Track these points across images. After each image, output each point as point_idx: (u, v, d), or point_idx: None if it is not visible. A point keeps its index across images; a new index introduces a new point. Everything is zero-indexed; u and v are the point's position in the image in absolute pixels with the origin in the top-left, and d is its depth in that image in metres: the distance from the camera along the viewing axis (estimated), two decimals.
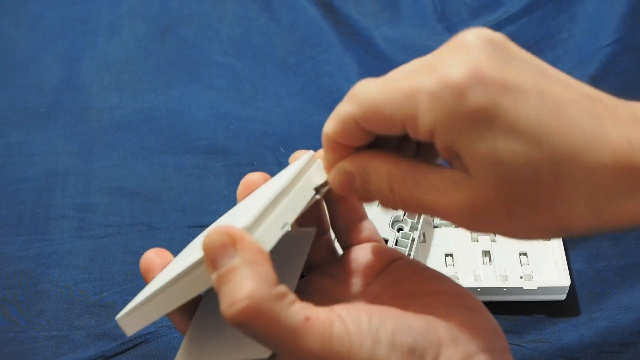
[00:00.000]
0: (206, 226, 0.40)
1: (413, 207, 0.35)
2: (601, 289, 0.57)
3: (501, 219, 0.32)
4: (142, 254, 0.60)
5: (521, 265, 0.57)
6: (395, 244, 0.56)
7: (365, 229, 0.42)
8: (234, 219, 0.35)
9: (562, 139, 0.30)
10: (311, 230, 0.41)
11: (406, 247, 0.56)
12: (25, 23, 0.77)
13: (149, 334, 0.55)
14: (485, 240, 0.58)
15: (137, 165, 0.66)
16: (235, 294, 0.31)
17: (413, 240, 0.56)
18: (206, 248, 0.32)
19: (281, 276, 0.35)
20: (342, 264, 0.41)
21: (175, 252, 0.62)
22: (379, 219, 0.57)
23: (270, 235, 0.34)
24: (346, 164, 0.36)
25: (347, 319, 0.33)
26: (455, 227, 0.59)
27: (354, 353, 0.32)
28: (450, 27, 0.76)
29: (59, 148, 0.68)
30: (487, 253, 0.58)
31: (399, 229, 0.57)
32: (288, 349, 0.32)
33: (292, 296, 0.32)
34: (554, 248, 0.57)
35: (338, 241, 0.42)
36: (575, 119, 0.31)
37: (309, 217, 0.41)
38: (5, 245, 0.61)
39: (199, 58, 0.74)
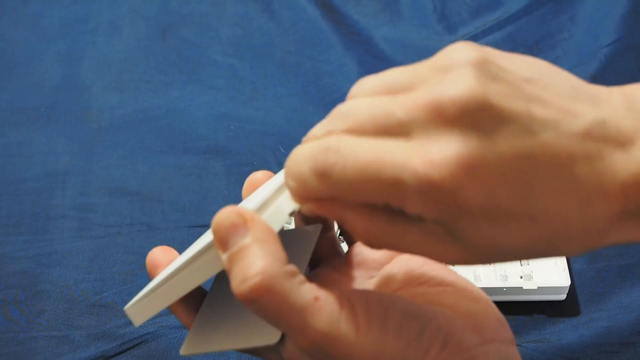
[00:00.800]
0: (206, 226, 0.40)
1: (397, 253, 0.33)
2: (601, 289, 0.57)
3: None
4: (142, 254, 0.60)
5: (521, 265, 0.57)
6: None
7: None
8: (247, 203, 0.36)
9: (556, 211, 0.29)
10: (316, 228, 0.41)
11: None
12: (25, 23, 0.77)
13: (149, 334, 0.55)
14: None
15: (137, 165, 0.66)
16: (247, 271, 0.31)
17: None
18: (217, 228, 0.32)
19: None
20: (347, 258, 0.41)
21: None
22: None
23: (277, 218, 0.34)
24: (316, 209, 0.32)
25: (356, 302, 0.33)
26: None
27: (361, 336, 0.32)
28: (450, 27, 0.76)
29: (59, 148, 0.68)
30: None
31: None
32: (297, 328, 0.32)
33: (302, 276, 0.32)
34: None
35: (343, 237, 0.42)
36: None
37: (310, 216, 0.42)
38: (5, 245, 0.61)
39: (199, 58, 0.74)
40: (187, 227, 0.62)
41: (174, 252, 0.40)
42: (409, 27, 0.76)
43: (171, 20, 0.77)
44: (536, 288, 0.55)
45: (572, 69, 0.71)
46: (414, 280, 0.38)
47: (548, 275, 0.56)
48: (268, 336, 0.34)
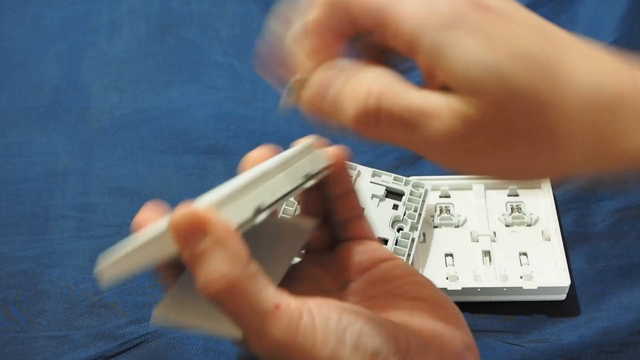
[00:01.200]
0: None
1: (389, 128, 0.32)
2: (601, 289, 0.57)
3: (496, 150, 0.30)
4: None
5: (521, 265, 0.57)
6: (396, 244, 0.56)
7: (362, 227, 0.42)
8: (213, 194, 0.35)
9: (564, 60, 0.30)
10: (310, 222, 0.41)
11: (406, 247, 0.56)
12: (25, 23, 0.77)
13: (149, 334, 0.55)
14: (485, 240, 0.58)
15: (137, 165, 0.66)
16: (209, 275, 0.31)
17: (413, 240, 0.56)
18: (174, 229, 0.31)
19: (270, 263, 0.35)
20: (334, 256, 0.41)
21: None
22: (379, 219, 0.57)
23: (240, 213, 0.33)
24: (329, 62, 0.33)
25: (317, 315, 0.33)
26: (455, 227, 0.59)
27: (316, 349, 0.32)
28: None
29: (59, 148, 0.68)
30: (487, 253, 0.58)
31: (399, 229, 0.57)
32: (255, 333, 0.32)
33: (264, 279, 0.32)
34: (554, 248, 0.58)
35: (335, 235, 0.43)
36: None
37: (308, 208, 0.42)
38: (5, 245, 0.61)
39: (199, 58, 0.74)
40: None
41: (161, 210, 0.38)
42: None
43: (171, 20, 0.77)
44: (536, 288, 0.55)
45: None
46: (391, 291, 0.39)
47: (548, 275, 0.56)
48: (234, 329, 0.34)
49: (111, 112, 0.70)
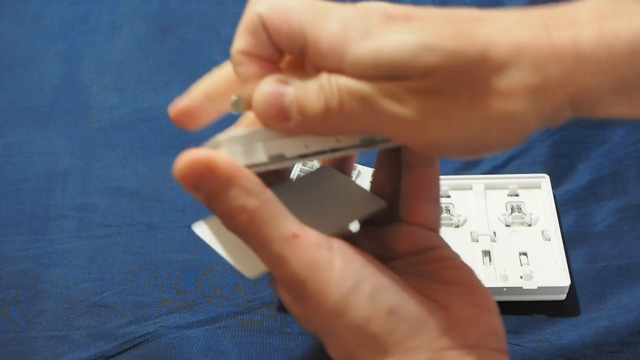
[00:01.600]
0: None
1: (351, 113, 0.33)
2: (601, 289, 0.57)
3: (451, 116, 0.32)
4: (142, 254, 0.60)
5: (521, 265, 0.57)
6: None
7: (427, 212, 0.40)
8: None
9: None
10: (382, 202, 0.40)
11: None
12: (25, 23, 0.77)
13: (149, 334, 0.55)
14: (485, 240, 0.58)
15: (137, 165, 0.66)
16: (227, 213, 0.33)
17: None
18: (181, 179, 0.33)
19: (325, 215, 0.36)
20: (386, 234, 0.40)
21: (175, 252, 0.62)
22: None
23: (254, 156, 0.34)
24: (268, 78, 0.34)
25: (338, 254, 0.33)
26: (455, 227, 0.59)
27: (330, 288, 0.33)
28: None
29: (59, 148, 0.68)
30: (487, 253, 0.58)
31: None
32: (273, 261, 0.33)
33: (281, 207, 0.33)
34: (554, 248, 0.58)
35: (396, 211, 0.41)
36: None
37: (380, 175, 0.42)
38: (5, 245, 0.61)
39: (199, 58, 0.74)
40: (187, 227, 0.62)
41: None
42: None
43: (171, 20, 0.77)
44: (536, 288, 0.55)
45: None
46: (428, 272, 0.38)
47: (548, 275, 0.56)
48: (255, 267, 0.35)
49: (111, 112, 0.70)
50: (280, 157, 0.35)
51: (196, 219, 0.63)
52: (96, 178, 0.65)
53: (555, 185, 0.63)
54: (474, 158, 0.40)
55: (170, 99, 0.71)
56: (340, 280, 0.33)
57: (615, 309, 0.56)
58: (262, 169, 0.34)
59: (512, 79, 0.31)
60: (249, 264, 0.36)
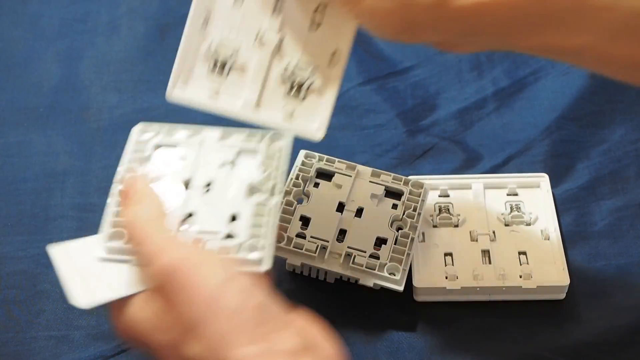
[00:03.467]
0: None
1: None
2: (601, 288, 0.57)
3: None
4: None
5: (520, 265, 0.57)
6: (395, 243, 0.56)
7: None
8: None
9: None
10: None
11: (405, 247, 0.56)
12: (24, 23, 0.77)
13: None
14: (484, 239, 0.58)
15: None
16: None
17: (412, 239, 0.56)
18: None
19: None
20: None
21: None
22: (378, 218, 0.57)
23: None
24: None
25: (212, 252, 0.43)
26: (455, 226, 0.60)
27: (209, 275, 0.39)
28: None
29: (58, 148, 0.68)
30: (486, 252, 0.58)
31: (398, 228, 0.57)
32: (152, 256, 0.41)
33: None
34: (554, 247, 0.58)
35: None
36: None
37: None
38: (5, 245, 0.61)
39: None
40: None
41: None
42: None
43: (170, 20, 0.77)
44: (535, 287, 0.55)
45: (571, 66, 0.71)
46: None
47: (547, 274, 0.56)
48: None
49: (110, 112, 0.70)
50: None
51: None
52: (95, 178, 0.65)
53: (554, 184, 0.63)
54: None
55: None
56: (215, 270, 0.38)
57: (615, 308, 0.56)
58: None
59: None
60: (85, 295, 0.42)
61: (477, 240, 0.59)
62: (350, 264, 0.55)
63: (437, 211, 0.61)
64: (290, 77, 0.48)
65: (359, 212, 0.58)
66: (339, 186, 0.59)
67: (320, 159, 0.60)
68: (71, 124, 0.69)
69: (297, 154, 0.61)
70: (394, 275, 0.54)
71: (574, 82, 0.70)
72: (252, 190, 0.46)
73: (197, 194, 0.46)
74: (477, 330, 0.55)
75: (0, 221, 0.63)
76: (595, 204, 0.62)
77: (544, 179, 0.62)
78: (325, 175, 0.60)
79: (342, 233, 0.56)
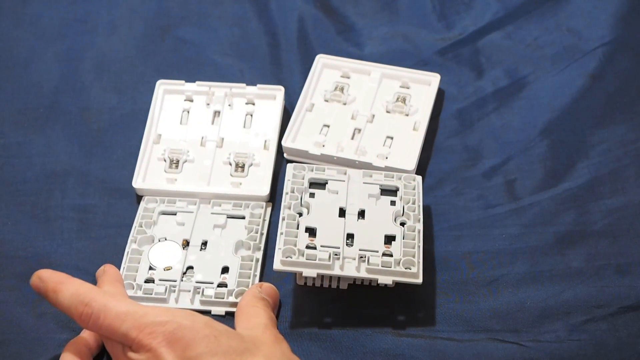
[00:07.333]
0: None
1: None
2: (599, 287, 0.57)
3: None
4: None
5: (383, 146, 0.65)
6: (403, 239, 0.56)
7: None
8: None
9: None
10: None
11: (414, 240, 0.55)
12: (24, 23, 0.77)
13: None
14: (362, 119, 0.66)
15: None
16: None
17: (419, 231, 0.56)
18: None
19: None
20: None
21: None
22: (381, 216, 0.57)
23: None
24: None
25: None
26: (343, 104, 0.67)
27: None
28: (449, 26, 0.76)
29: (58, 149, 0.68)
30: (359, 130, 0.65)
31: (402, 223, 0.57)
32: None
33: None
34: (417, 138, 0.64)
35: None
36: None
37: None
38: (5, 245, 0.61)
39: (197, 58, 0.74)
40: None
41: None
42: (408, 27, 0.76)
43: (170, 21, 0.77)
44: (384, 167, 0.61)
45: (570, 66, 0.71)
46: None
47: (400, 159, 0.63)
48: None
49: (110, 112, 0.70)
50: None
51: None
52: (95, 179, 0.65)
53: (554, 183, 0.63)
54: None
55: None
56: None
57: (614, 308, 0.56)
58: None
59: None
60: None
61: (355, 119, 0.67)
62: (367, 266, 0.54)
63: (333, 88, 0.69)
64: (234, 161, 0.64)
65: (361, 214, 0.58)
66: (335, 192, 0.59)
67: (310, 169, 0.60)
68: (71, 124, 0.69)
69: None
70: (410, 269, 0.54)
71: (574, 82, 0.70)
72: (238, 246, 0.59)
73: (195, 250, 0.59)
74: (476, 330, 0.55)
75: (0, 221, 0.63)
76: (594, 203, 0.62)
77: (435, 78, 0.69)
78: (318, 184, 0.60)
79: (350, 237, 0.56)
